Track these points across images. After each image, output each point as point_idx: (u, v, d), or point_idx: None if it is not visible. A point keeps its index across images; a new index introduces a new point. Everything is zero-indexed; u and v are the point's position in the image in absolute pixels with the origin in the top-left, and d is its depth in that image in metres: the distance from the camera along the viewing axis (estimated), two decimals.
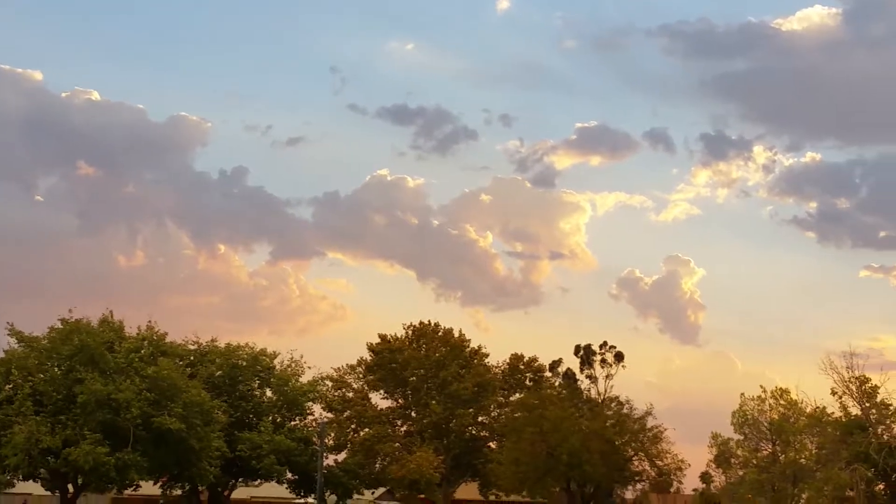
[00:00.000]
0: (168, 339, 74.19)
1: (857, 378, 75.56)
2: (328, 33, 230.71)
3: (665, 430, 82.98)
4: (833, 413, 79.01)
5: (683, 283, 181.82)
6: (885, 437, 74.70)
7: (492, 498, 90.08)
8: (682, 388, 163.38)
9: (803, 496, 77.83)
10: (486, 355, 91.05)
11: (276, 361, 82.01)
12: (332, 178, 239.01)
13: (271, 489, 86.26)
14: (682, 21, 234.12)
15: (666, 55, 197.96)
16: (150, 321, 72.81)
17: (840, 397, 76.87)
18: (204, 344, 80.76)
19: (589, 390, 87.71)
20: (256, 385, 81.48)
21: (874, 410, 75.66)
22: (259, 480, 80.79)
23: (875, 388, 75.65)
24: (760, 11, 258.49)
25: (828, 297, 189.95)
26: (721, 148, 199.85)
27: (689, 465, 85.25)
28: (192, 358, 78.83)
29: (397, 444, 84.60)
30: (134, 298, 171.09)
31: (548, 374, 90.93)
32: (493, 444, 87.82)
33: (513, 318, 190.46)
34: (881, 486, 79.40)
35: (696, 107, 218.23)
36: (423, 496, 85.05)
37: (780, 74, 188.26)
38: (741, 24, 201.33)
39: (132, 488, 70.72)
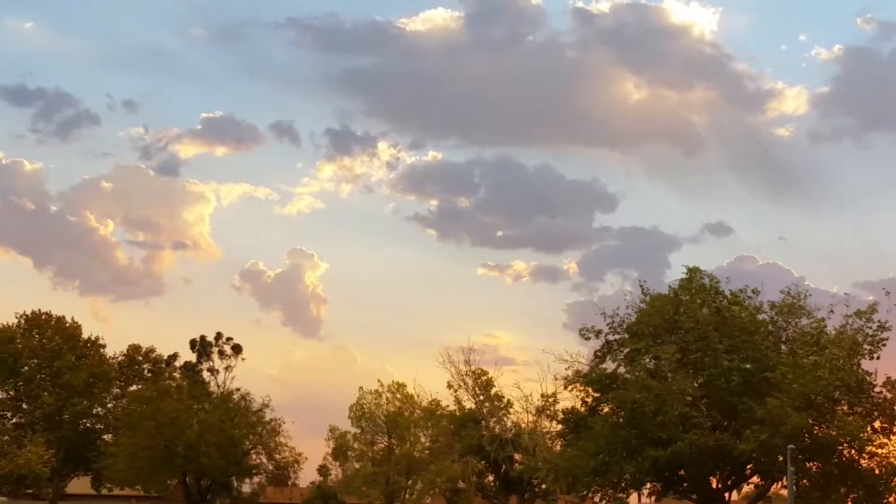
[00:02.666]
0: None
1: (472, 372, 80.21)
2: None
3: (283, 423, 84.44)
4: (448, 406, 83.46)
5: (307, 276, 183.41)
6: (496, 429, 79.63)
7: (104, 492, 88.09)
8: (304, 382, 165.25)
9: (417, 488, 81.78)
10: (103, 346, 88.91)
11: None
12: None
13: None
14: (309, 15, 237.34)
15: (293, 48, 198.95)
16: None
17: (455, 391, 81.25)
18: None
19: (209, 383, 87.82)
20: None
21: (487, 403, 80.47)
22: None
23: (489, 382, 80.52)
24: (387, 11, 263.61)
25: (447, 293, 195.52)
26: (346, 143, 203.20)
27: (307, 458, 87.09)
28: None
29: (6, 437, 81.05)
30: None
31: (164, 366, 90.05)
32: (108, 437, 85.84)
33: (134, 308, 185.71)
34: (491, 478, 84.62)
35: (322, 101, 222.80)
36: (31, 491, 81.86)
37: (404, 73, 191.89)
38: (367, 21, 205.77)
39: None
